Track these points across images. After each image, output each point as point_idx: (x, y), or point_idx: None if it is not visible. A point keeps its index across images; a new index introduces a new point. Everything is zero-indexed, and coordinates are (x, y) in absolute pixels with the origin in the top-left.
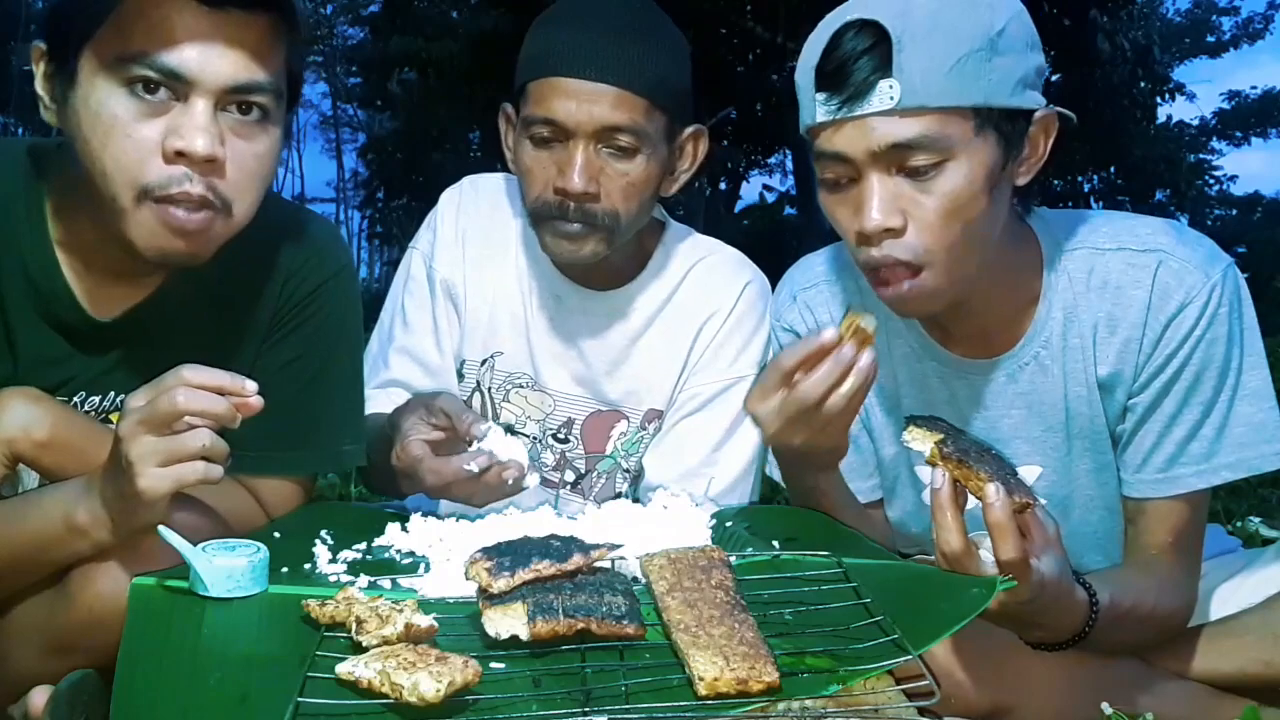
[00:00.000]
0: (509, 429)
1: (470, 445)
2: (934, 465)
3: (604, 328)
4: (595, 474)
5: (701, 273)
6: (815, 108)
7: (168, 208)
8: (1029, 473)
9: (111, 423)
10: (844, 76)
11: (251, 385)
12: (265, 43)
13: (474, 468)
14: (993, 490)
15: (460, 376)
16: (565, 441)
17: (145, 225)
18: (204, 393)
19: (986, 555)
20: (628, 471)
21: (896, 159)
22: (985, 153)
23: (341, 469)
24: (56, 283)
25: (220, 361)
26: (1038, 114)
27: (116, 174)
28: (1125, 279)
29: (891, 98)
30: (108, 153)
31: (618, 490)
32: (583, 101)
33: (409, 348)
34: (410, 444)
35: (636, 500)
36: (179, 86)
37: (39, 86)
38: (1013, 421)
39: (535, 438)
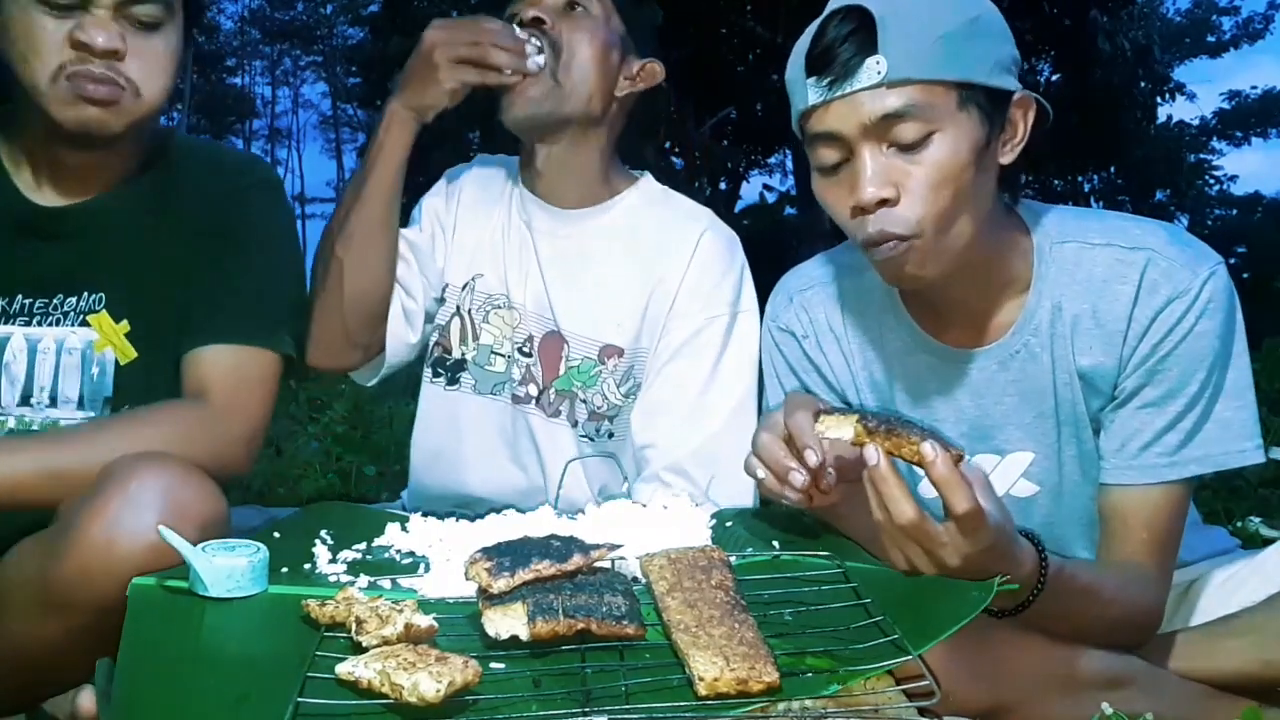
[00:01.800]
0: (491, 351)
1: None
2: (861, 444)
3: (562, 245)
4: (552, 392)
5: (665, 217)
6: (806, 92)
7: (78, 81)
8: (1021, 459)
9: (90, 325)
10: (833, 58)
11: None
12: None
13: (523, 33)
14: (929, 448)
15: (441, 300)
16: (529, 356)
17: (60, 97)
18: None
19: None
20: (585, 402)
21: (886, 131)
22: (969, 127)
23: (271, 344)
24: (7, 188)
25: (159, 260)
26: (1016, 95)
27: (35, 61)
28: (1111, 274)
29: (879, 72)
30: (30, 48)
31: (575, 418)
32: None
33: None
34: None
35: (638, 501)
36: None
37: None
38: (1005, 408)
39: (509, 356)
